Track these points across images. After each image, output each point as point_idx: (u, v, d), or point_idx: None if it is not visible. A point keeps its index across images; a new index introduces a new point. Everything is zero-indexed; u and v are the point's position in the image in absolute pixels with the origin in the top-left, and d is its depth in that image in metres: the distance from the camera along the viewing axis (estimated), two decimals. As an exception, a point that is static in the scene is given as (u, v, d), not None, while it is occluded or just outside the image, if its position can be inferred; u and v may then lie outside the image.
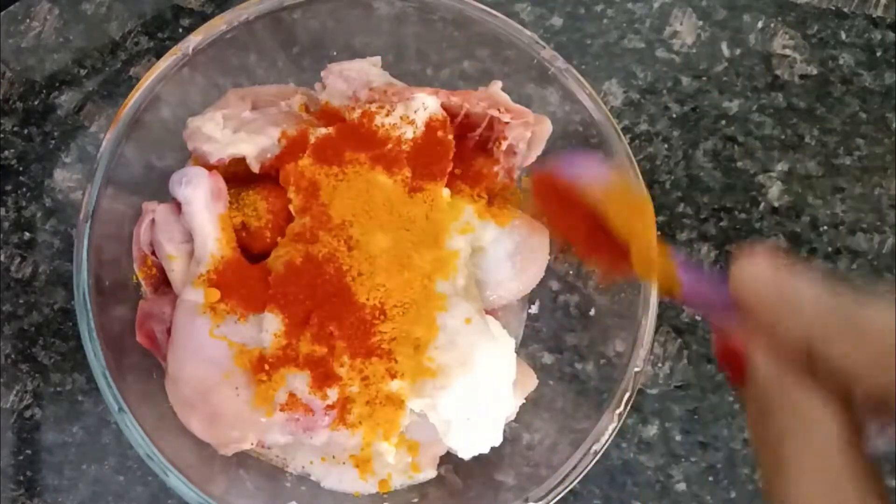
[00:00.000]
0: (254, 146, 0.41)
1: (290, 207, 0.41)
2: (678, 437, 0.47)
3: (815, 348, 0.24)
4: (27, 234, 0.49)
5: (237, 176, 0.43)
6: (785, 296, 0.25)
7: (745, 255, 0.26)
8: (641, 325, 0.40)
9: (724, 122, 0.50)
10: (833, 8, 0.51)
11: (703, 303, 0.29)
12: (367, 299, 0.38)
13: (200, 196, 0.40)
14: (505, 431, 0.40)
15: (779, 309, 0.25)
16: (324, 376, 0.38)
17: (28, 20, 0.51)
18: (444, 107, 0.41)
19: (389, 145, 0.41)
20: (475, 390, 0.38)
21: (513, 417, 0.43)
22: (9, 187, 0.49)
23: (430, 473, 0.42)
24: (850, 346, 0.23)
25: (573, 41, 0.51)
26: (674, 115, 0.50)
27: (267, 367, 0.38)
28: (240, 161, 0.41)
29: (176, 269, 0.41)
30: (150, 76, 0.40)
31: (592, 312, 0.44)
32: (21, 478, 0.46)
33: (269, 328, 0.38)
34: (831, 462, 0.23)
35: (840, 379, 0.23)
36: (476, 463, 0.41)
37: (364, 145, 0.41)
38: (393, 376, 0.38)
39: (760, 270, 0.25)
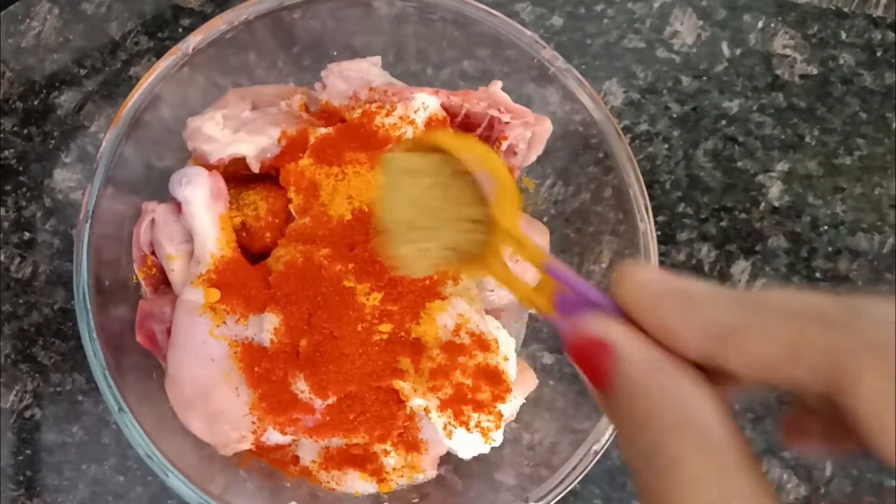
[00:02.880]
0: (254, 146, 0.41)
1: (290, 207, 0.41)
2: (678, 437, 0.47)
3: (716, 347, 0.21)
4: (27, 234, 0.49)
5: (237, 176, 0.43)
6: (679, 295, 0.22)
7: (631, 265, 0.24)
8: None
9: (724, 121, 0.50)
10: (833, 8, 0.51)
11: (564, 283, 0.26)
12: (367, 299, 0.38)
13: (200, 196, 0.40)
14: (505, 431, 0.40)
15: (675, 313, 0.22)
16: (324, 376, 0.38)
17: (28, 20, 0.51)
18: (444, 107, 0.41)
19: (389, 145, 0.41)
20: (475, 390, 0.38)
21: (513, 417, 0.43)
22: (9, 187, 0.49)
23: (430, 473, 0.42)
24: (762, 337, 0.20)
25: (573, 41, 0.51)
26: (674, 115, 0.50)
27: (267, 367, 0.38)
28: (240, 161, 0.41)
29: (176, 269, 0.41)
30: (150, 76, 0.40)
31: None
32: (21, 478, 0.46)
33: (269, 328, 0.38)
34: (724, 456, 0.20)
35: (750, 370, 0.21)
36: (476, 463, 0.41)
37: (364, 145, 0.41)
38: (393, 376, 0.38)
39: (650, 273, 0.23)
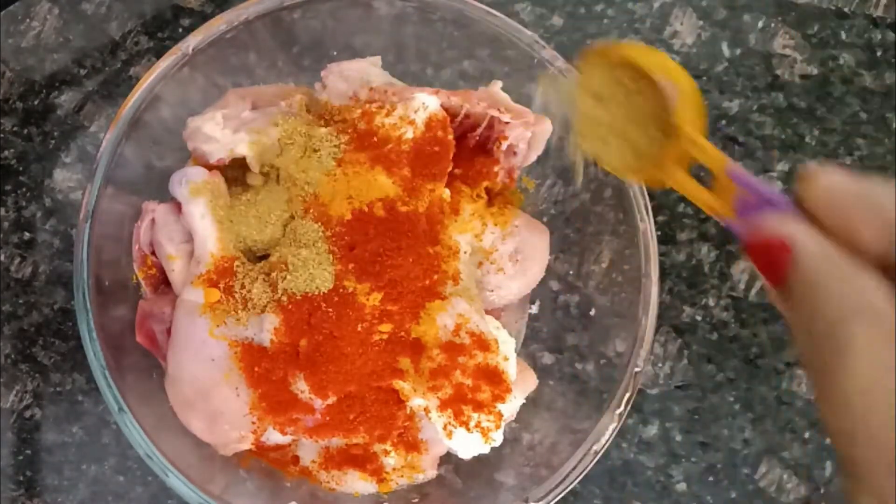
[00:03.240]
0: (254, 146, 0.41)
1: (291, 208, 0.41)
2: (678, 437, 0.47)
3: None
4: (27, 234, 0.49)
5: (237, 176, 0.43)
6: (864, 199, 0.23)
7: (816, 167, 0.25)
8: (641, 325, 0.40)
9: (724, 121, 0.50)
10: (833, 8, 0.51)
11: (746, 187, 0.27)
12: (368, 299, 0.38)
13: (200, 196, 0.40)
14: (505, 431, 0.40)
15: (858, 213, 0.23)
16: (324, 376, 0.38)
17: (28, 20, 0.51)
18: (444, 107, 0.41)
19: (389, 145, 0.41)
20: (475, 390, 0.38)
21: (513, 417, 0.43)
22: (9, 187, 0.49)
23: (430, 473, 0.42)
24: None
25: (573, 41, 0.51)
26: (674, 115, 0.50)
27: (267, 367, 0.38)
28: (240, 161, 0.41)
29: (176, 269, 0.41)
30: (150, 76, 0.40)
31: (592, 312, 0.44)
32: (21, 478, 0.46)
33: (269, 328, 0.38)
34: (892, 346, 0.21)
35: None
36: (476, 463, 0.41)
37: (364, 145, 0.41)
38: (393, 376, 0.38)
39: (836, 176, 0.24)
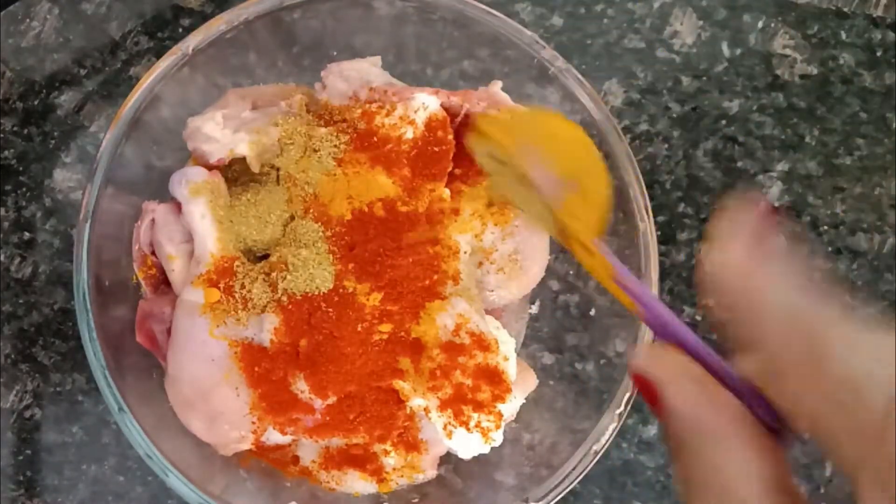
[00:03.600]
0: (254, 146, 0.41)
1: (291, 208, 0.41)
2: (678, 437, 0.47)
3: (770, 376, 0.20)
4: (27, 234, 0.49)
5: (237, 176, 0.43)
6: (749, 298, 0.20)
7: (720, 234, 0.21)
8: (641, 325, 0.40)
9: (724, 122, 0.50)
10: (833, 8, 0.51)
11: (631, 296, 0.26)
12: (368, 299, 0.38)
13: (200, 196, 0.40)
14: (505, 431, 0.40)
15: (740, 313, 0.20)
16: (324, 376, 0.38)
17: (28, 20, 0.51)
18: (444, 107, 0.41)
19: (389, 145, 0.41)
20: (475, 390, 0.38)
21: (513, 417, 0.43)
22: (9, 187, 0.49)
23: (430, 474, 0.42)
24: (804, 386, 0.19)
25: (573, 41, 0.51)
26: (674, 115, 0.50)
27: (267, 367, 0.38)
28: (240, 161, 0.41)
29: (176, 269, 0.41)
30: (150, 76, 0.40)
31: (593, 312, 0.44)
32: (21, 478, 0.46)
33: (269, 328, 0.38)
34: None
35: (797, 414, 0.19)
36: (476, 463, 0.41)
37: (364, 145, 0.41)
38: (393, 376, 0.38)
39: (731, 258, 0.21)
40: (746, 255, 0.21)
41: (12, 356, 0.47)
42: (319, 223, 0.40)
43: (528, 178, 0.31)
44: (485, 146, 0.34)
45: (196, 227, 0.40)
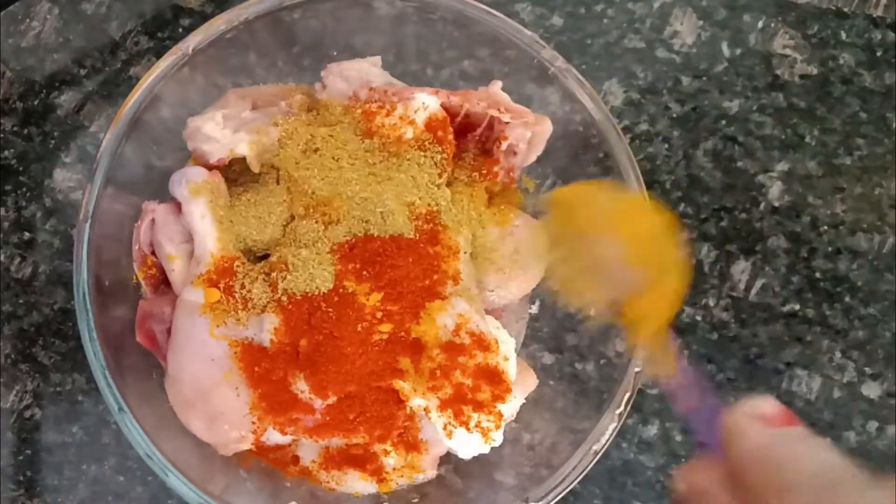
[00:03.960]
0: (254, 146, 0.41)
1: (291, 208, 0.41)
2: (678, 437, 0.47)
3: None
4: (27, 234, 0.49)
5: (237, 176, 0.43)
6: (777, 470, 0.21)
7: (743, 406, 0.23)
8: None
9: (724, 121, 0.50)
10: (833, 8, 0.51)
11: (685, 410, 0.27)
12: (367, 299, 0.38)
13: (200, 196, 0.40)
14: (505, 431, 0.40)
15: (768, 482, 0.21)
16: (324, 376, 0.38)
17: (28, 20, 0.51)
18: (444, 107, 0.41)
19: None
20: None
21: (513, 417, 0.43)
22: (9, 187, 0.49)
23: (430, 474, 0.42)
24: None
25: (573, 41, 0.51)
26: (674, 115, 0.50)
27: (267, 367, 0.38)
28: (240, 161, 0.41)
29: (176, 269, 0.41)
30: (150, 76, 0.40)
31: (593, 312, 0.44)
32: (21, 478, 0.46)
33: (269, 328, 0.38)
34: None
35: None
36: (476, 463, 0.41)
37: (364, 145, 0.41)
38: (393, 376, 0.38)
39: (754, 432, 0.23)
40: (766, 429, 0.23)
41: (12, 356, 0.47)
42: (319, 223, 0.40)
43: (601, 259, 0.30)
44: (562, 219, 0.32)
45: (196, 227, 0.40)
